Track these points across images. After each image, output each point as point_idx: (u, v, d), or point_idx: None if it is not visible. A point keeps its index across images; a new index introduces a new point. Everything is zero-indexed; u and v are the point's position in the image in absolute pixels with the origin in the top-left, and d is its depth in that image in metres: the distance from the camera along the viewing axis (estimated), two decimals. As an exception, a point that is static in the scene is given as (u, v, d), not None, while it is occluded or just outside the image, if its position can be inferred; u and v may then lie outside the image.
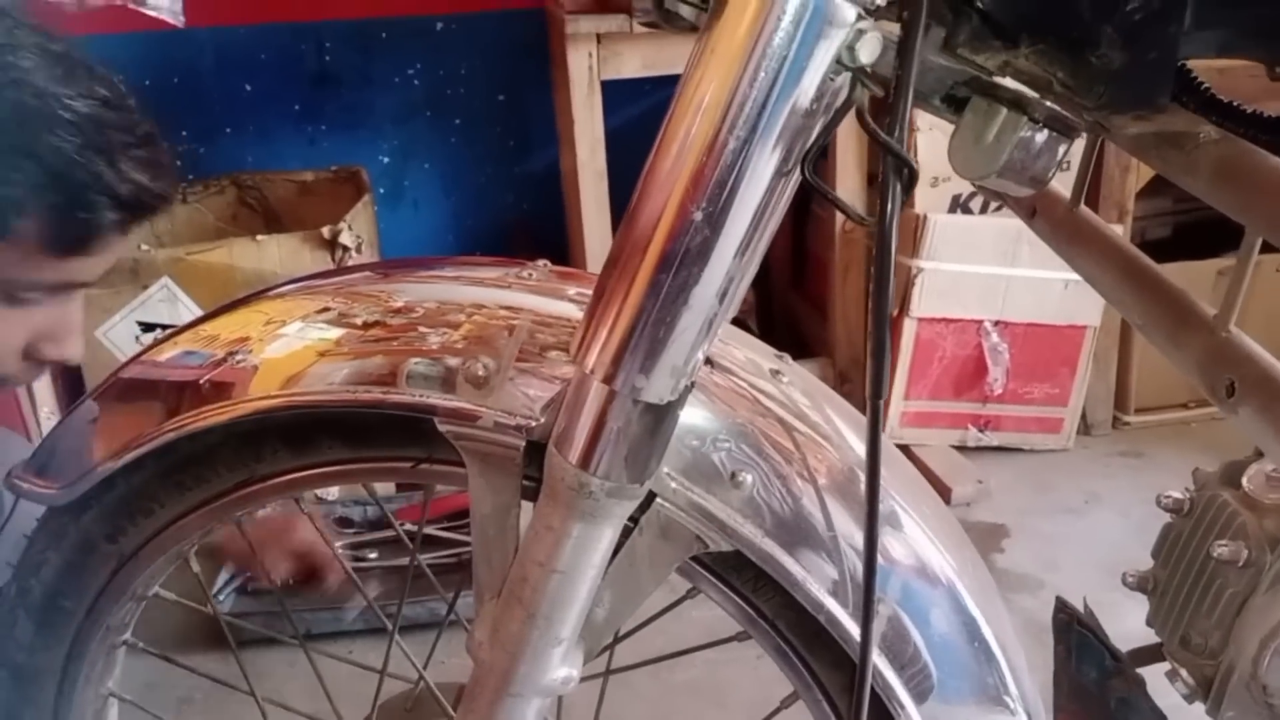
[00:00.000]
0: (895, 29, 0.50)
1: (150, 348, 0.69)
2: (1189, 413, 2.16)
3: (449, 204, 2.31)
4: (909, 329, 1.96)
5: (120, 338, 1.62)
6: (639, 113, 2.08)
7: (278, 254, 1.63)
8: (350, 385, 0.61)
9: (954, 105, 0.58)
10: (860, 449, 0.66)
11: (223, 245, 1.65)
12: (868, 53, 0.49)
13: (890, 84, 0.49)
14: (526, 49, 2.19)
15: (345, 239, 1.63)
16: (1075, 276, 2.16)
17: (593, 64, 1.78)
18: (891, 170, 0.49)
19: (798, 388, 0.67)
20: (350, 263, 1.64)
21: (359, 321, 0.65)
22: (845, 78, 0.50)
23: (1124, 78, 0.51)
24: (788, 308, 2.34)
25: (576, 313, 0.65)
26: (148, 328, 1.61)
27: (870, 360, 0.51)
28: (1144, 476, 2.01)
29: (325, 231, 1.64)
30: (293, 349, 0.65)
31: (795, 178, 0.51)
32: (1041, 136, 0.55)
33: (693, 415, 0.60)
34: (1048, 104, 0.55)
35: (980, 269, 1.95)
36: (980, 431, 2.08)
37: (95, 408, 0.68)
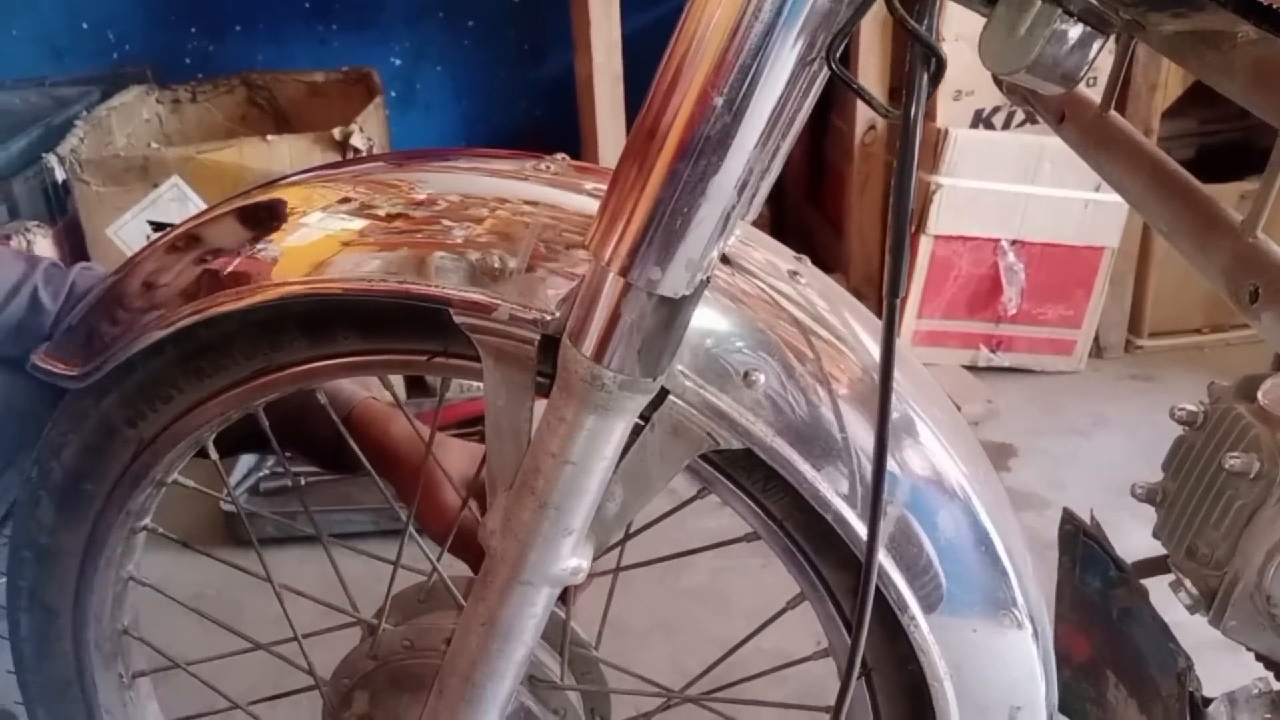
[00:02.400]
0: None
1: (166, 234, 0.68)
2: (1202, 338, 2.15)
3: (460, 108, 2.28)
4: (925, 247, 1.94)
5: (131, 236, 1.62)
6: (657, 16, 2.03)
7: (288, 155, 1.61)
8: (376, 276, 0.61)
9: (989, -6, 0.56)
10: (876, 353, 0.65)
11: (233, 145, 1.63)
12: None
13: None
14: (543, -52, 2.14)
15: (357, 141, 1.61)
16: (1095, 196, 2.13)
17: (611, -38, 1.73)
18: (919, 60, 0.48)
19: (815, 290, 0.66)
20: (362, 165, 1.62)
21: (382, 213, 0.64)
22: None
23: None
24: (802, 221, 2.32)
25: (594, 207, 0.64)
26: (158, 226, 1.60)
27: (889, 257, 0.50)
28: (1153, 399, 2.01)
29: (337, 133, 1.62)
30: (314, 238, 0.64)
31: (819, 74, 0.50)
32: (1075, 31, 0.53)
33: (707, 313, 0.60)
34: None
35: (1000, 186, 1.92)
36: (991, 351, 2.07)
37: (114, 293, 0.68)
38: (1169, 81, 1.93)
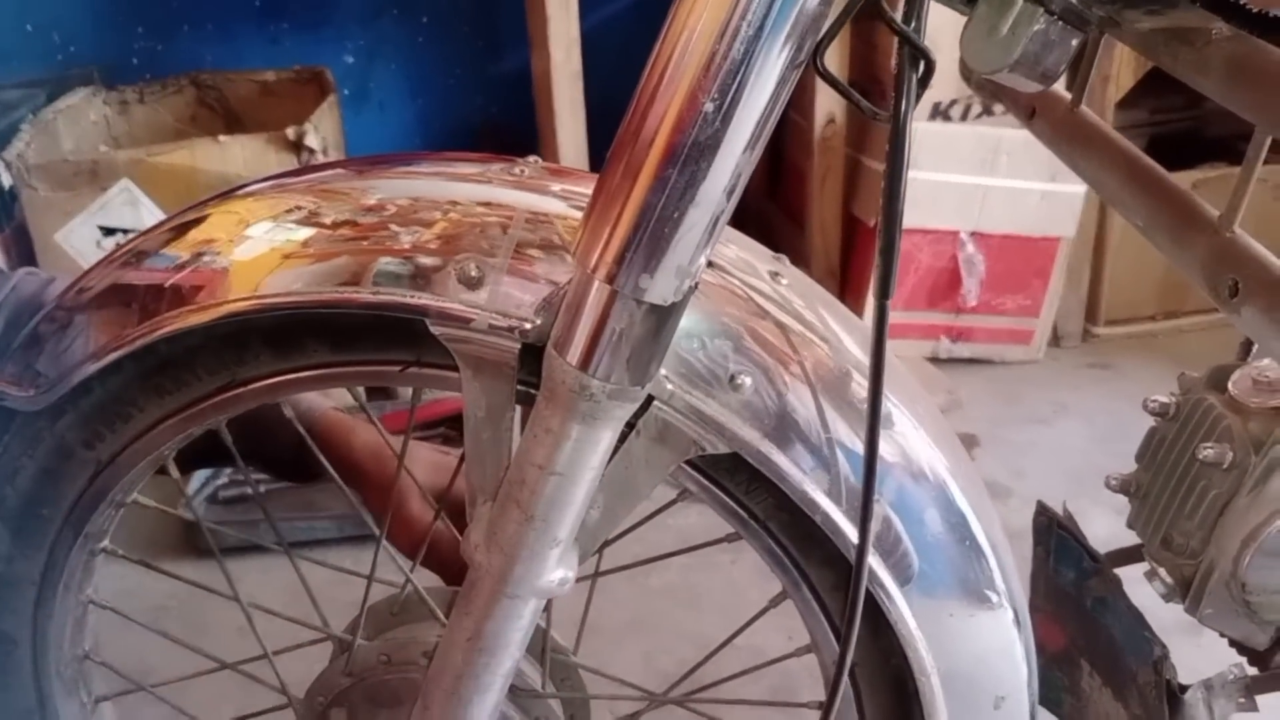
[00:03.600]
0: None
1: (120, 249, 0.66)
2: (1157, 324, 2.19)
3: (416, 106, 2.25)
4: (885, 238, 1.95)
5: (81, 242, 1.57)
6: (614, 11, 2.01)
7: (241, 155, 1.58)
8: (321, 287, 0.59)
9: (971, -8, 0.56)
10: (855, 351, 0.65)
11: (185, 146, 1.59)
12: None
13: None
14: (496, -56, 2.11)
15: (311, 140, 1.58)
16: (1052, 187, 2.15)
17: (567, -40, 1.71)
18: (908, 62, 0.48)
19: (795, 290, 0.66)
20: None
21: (328, 221, 0.62)
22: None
23: None
24: (762, 217, 2.32)
25: (566, 209, 0.63)
26: (108, 232, 1.56)
27: (879, 258, 0.50)
28: (1112, 387, 2.04)
29: (290, 133, 1.59)
30: (258, 251, 0.62)
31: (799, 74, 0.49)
32: (1056, 29, 0.53)
33: (691, 317, 0.59)
34: (1063, -2, 0.53)
35: (959, 178, 1.94)
36: (952, 342, 2.09)
37: (65, 311, 0.65)
38: (1121, 73, 1.96)
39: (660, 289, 0.51)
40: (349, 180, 0.66)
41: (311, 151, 1.56)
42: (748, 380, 0.60)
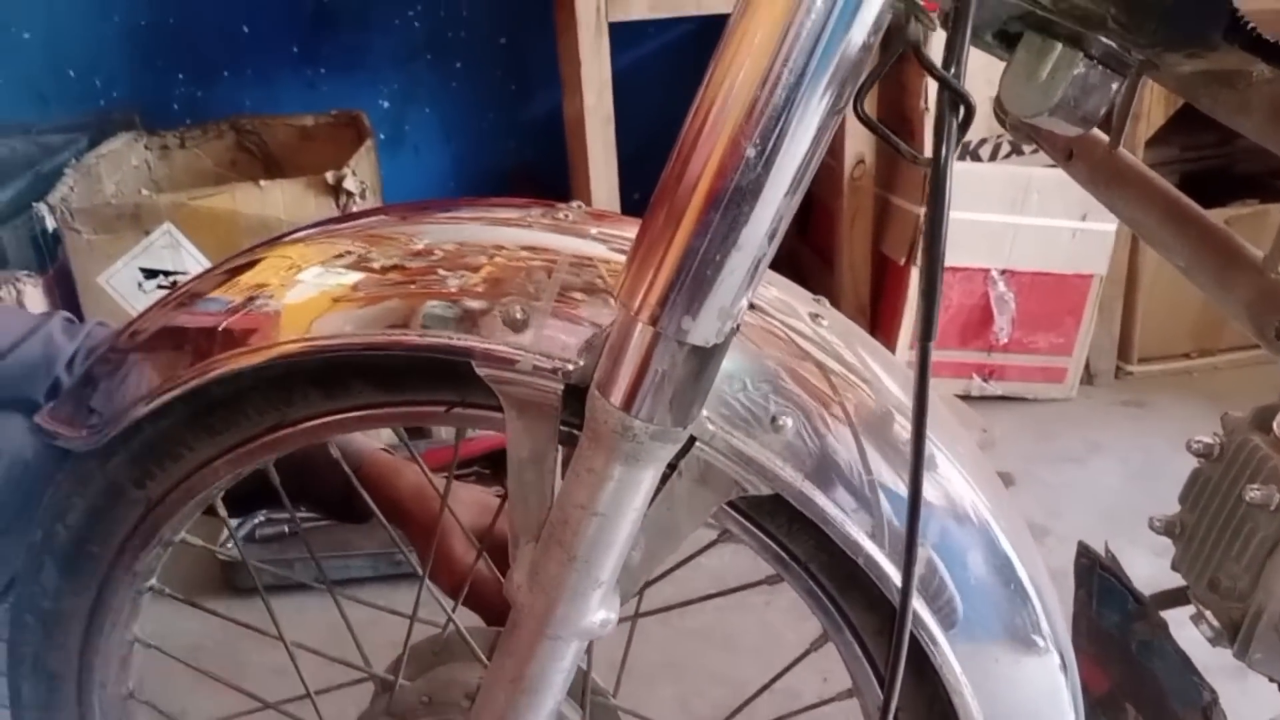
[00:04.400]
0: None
1: (173, 293, 0.67)
2: (1191, 362, 2.17)
3: (450, 149, 2.28)
4: (917, 278, 1.95)
5: (123, 284, 1.60)
6: (644, 54, 2.04)
7: (281, 200, 1.61)
8: (370, 330, 0.60)
9: (1006, 41, 0.57)
10: (897, 392, 0.65)
11: (226, 190, 1.62)
12: None
13: (947, 18, 0.48)
14: (528, -11, 2.15)
15: (349, 184, 1.61)
16: (1083, 225, 2.15)
17: (600, 5, 1.74)
18: (949, 107, 0.48)
19: (835, 331, 0.66)
20: (355, 209, 1.62)
21: (376, 265, 0.63)
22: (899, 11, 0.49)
23: (1177, 14, 0.50)
24: (793, 255, 2.33)
25: (609, 253, 0.64)
26: (150, 274, 1.59)
27: (921, 300, 0.50)
28: (1145, 425, 2.02)
29: (329, 177, 1.61)
30: (309, 295, 0.63)
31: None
32: (1095, 74, 0.54)
33: (733, 358, 0.59)
34: (1103, 39, 0.54)
35: (989, 217, 1.94)
36: (985, 380, 2.08)
37: (119, 353, 0.67)
38: (1151, 110, 1.96)
39: (702, 331, 0.51)
40: (394, 226, 0.67)
41: (350, 195, 1.58)
42: (789, 421, 0.60)
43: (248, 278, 0.66)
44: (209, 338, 0.63)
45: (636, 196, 1.98)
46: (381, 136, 2.17)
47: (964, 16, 0.47)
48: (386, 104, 2.22)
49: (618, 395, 0.54)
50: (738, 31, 0.48)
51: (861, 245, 2.06)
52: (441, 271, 0.62)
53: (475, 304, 0.60)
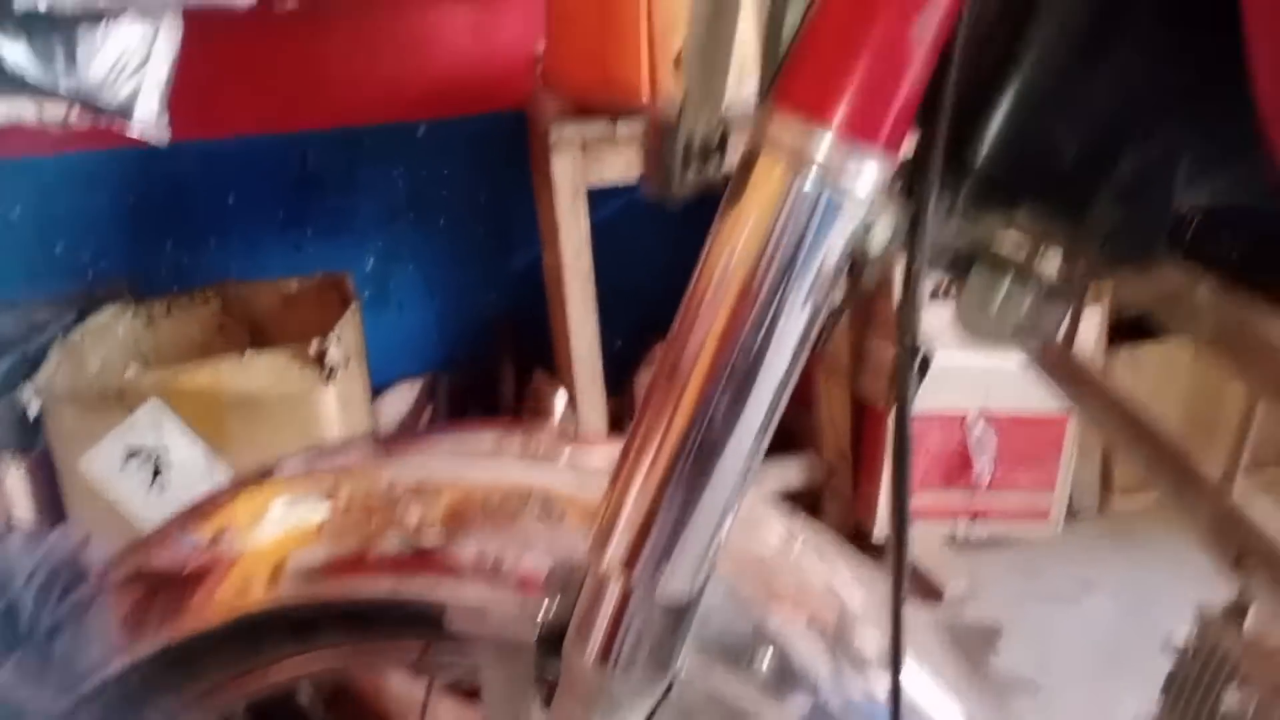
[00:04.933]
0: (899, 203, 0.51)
1: (152, 532, 0.68)
2: (1174, 494, 2.18)
3: (434, 305, 2.32)
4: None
5: (105, 466, 1.60)
6: (625, 204, 2.10)
7: (265, 372, 1.62)
8: (319, 580, 0.62)
9: (960, 267, 0.59)
10: (879, 617, 0.66)
11: (208, 366, 1.64)
12: (878, 245, 0.51)
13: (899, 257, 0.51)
14: (507, 150, 2.22)
15: (332, 355, 1.63)
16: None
17: (577, 171, 1.79)
18: (907, 355, 0.50)
19: (813, 552, 0.67)
20: (337, 379, 1.64)
21: (340, 504, 0.65)
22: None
23: (1122, 234, 0.52)
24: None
25: (577, 490, 0.65)
26: (133, 453, 1.59)
27: (892, 560, 0.51)
28: (1133, 558, 2.02)
29: (313, 348, 1.64)
30: (273, 538, 0.65)
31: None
32: (1046, 302, 0.56)
33: (710, 592, 0.60)
34: (1048, 271, 0.56)
35: (964, 362, 1.97)
36: (970, 522, 2.08)
37: (89, 605, 0.67)
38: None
39: (678, 584, 0.52)
40: (372, 460, 0.69)
41: (333, 369, 1.60)
42: (768, 655, 0.60)
43: (220, 517, 0.67)
44: (173, 584, 0.64)
45: (619, 344, 2.01)
46: (366, 294, 2.21)
47: (915, 269, 0.50)
48: (371, 261, 2.27)
49: (593, 648, 0.54)
50: (699, 285, 0.50)
51: (840, 393, 2.08)
52: (410, 507, 0.63)
53: (439, 542, 0.60)
